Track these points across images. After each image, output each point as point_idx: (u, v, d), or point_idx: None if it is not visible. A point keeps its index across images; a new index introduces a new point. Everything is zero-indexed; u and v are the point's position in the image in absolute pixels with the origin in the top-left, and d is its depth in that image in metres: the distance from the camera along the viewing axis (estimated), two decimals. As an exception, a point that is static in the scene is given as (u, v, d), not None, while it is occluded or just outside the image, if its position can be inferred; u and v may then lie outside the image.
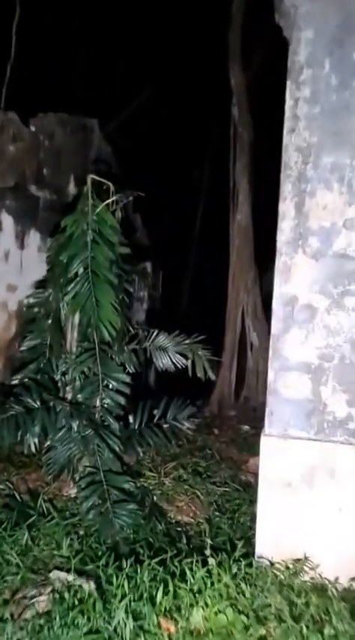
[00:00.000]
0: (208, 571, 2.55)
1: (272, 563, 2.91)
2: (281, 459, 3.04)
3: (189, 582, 2.51)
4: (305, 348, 3.05)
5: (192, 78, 9.42)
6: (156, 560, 2.82)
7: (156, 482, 4.57)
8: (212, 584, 2.48)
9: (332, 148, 3.02)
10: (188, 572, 2.55)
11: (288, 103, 3.08)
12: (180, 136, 9.43)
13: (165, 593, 2.47)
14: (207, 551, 3.24)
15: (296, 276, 3.08)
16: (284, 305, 3.10)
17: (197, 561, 2.87)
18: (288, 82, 3.05)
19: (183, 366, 4.50)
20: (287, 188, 3.09)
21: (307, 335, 3.06)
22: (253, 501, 4.13)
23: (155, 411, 4.57)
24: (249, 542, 3.53)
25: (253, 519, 3.85)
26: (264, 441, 3.08)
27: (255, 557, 3.04)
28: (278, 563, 2.96)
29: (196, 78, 9.47)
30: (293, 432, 3.06)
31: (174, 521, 4.15)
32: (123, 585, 2.56)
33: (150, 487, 4.49)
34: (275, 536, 3.01)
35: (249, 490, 4.44)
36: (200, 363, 4.55)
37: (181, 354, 4.42)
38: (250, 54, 9.35)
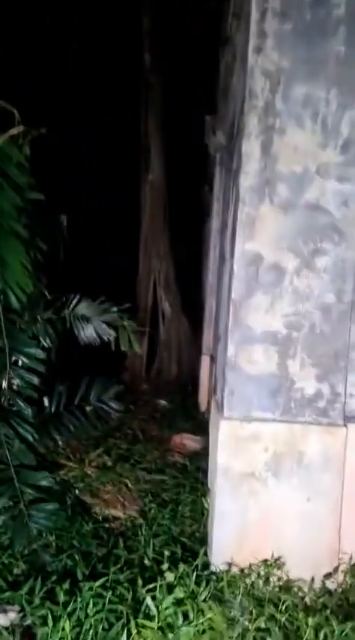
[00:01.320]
0: (176, 600, 2.01)
1: (242, 570, 2.47)
2: (242, 445, 2.60)
3: (152, 615, 1.96)
4: (271, 315, 2.60)
5: (101, 18, 8.37)
6: (98, 583, 2.22)
7: (78, 473, 3.93)
8: (183, 615, 1.95)
9: (305, 76, 2.53)
10: (149, 600, 2.00)
11: (254, 15, 2.52)
12: (88, 80, 8.39)
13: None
14: (147, 559, 2.76)
15: (261, 231, 2.58)
16: (247, 265, 2.61)
17: (148, 576, 2.36)
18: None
19: (108, 339, 3.86)
20: (252, 122, 2.55)
21: (273, 300, 2.60)
22: (194, 488, 3.70)
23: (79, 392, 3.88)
24: (198, 539, 3.10)
25: (195, 509, 3.44)
26: (223, 426, 2.60)
27: (212, 561, 2.59)
28: (241, 567, 2.54)
29: (105, 19, 8.43)
30: (256, 413, 2.62)
31: (101, 517, 3.57)
32: (63, 628, 1.93)
33: (72, 480, 3.84)
34: (236, 535, 2.59)
35: (184, 474, 4.00)
36: (125, 334, 3.93)
37: (109, 325, 3.76)
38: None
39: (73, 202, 4.45)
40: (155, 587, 2.08)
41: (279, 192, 2.56)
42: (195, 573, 2.29)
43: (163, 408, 6.83)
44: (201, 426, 5.87)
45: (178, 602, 1.97)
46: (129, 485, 3.94)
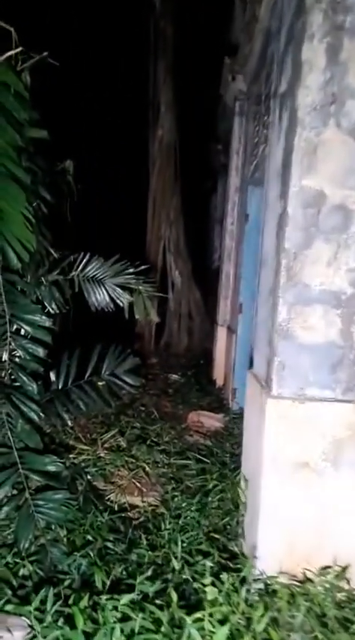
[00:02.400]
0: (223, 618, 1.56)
1: (299, 581, 2.02)
2: (294, 430, 2.12)
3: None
4: (334, 270, 2.09)
5: None
6: (124, 600, 1.77)
7: (90, 456, 3.48)
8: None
9: None
10: (194, 632, 1.55)
11: None
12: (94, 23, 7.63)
13: None
14: (176, 561, 2.32)
15: (324, 163, 2.04)
16: (305, 206, 2.08)
17: (182, 590, 1.92)
18: None
19: (122, 304, 3.35)
20: (315, 20, 1.98)
21: (337, 251, 2.08)
22: (222, 475, 3.26)
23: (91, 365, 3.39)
24: (233, 535, 2.66)
25: (224, 500, 3.00)
26: (271, 406, 2.12)
27: (259, 567, 2.14)
28: (292, 575, 2.10)
29: None
30: (312, 391, 2.13)
31: (116, 506, 3.14)
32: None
33: (83, 464, 3.40)
34: (287, 536, 2.14)
35: (209, 458, 3.55)
36: (140, 300, 3.43)
37: (123, 288, 3.25)
38: None
39: (75, 154, 3.90)
40: (193, 604, 1.63)
41: (349, 112, 2.01)
42: (244, 589, 1.84)
43: (175, 382, 6.38)
44: (218, 403, 5.44)
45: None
46: (147, 469, 3.50)
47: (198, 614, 1.57)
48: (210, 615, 1.55)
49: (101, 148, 8.13)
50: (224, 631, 1.50)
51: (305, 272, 2.09)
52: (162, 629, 1.64)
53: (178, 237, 8.22)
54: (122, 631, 1.62)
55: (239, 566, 2.31)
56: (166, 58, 7.63)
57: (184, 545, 2.57)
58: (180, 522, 2.73)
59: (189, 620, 1.55)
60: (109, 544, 2.68)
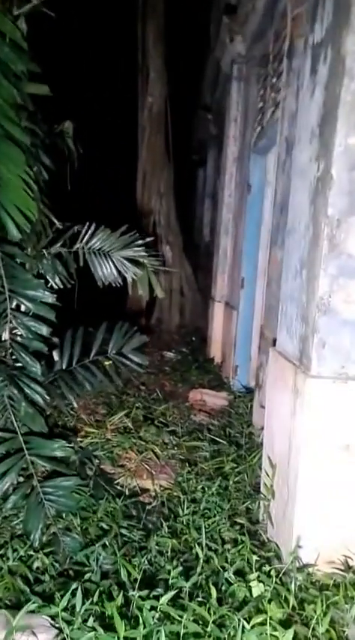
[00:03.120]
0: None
1: (344, 569, 1.90)
2: (335, 411, 1.98)
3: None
4: (380, 238, 1.92)
5: None
6: (164, 599, 1.62)
7: (97, 439, 3.31)
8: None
9: None
10: (247, 628, 1.40)
11: None
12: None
13: None
14: (201, 550, 2.20)
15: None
16: (351, 168, 1.89)
17: (221, 585, 1.79)
18: None
19: (131, 279, 3.14)
20: None
21: (384, 217, 1.91)
22: (239, 457, 3.13)
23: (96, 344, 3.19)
24: (257, 519, 2.54)
25: (242, 483, 2.87)
26: (310, 386, 1.97)
27: (301, 555, 2.02)
28: (332, 562, 1.99)
29: None
30: None
31: (127, 490, 2.99)
32: None
33: (90, 448, 3.23)
34: (327, 523, 2.02)
35: (223, 439, 3.41)
36: (145, 276, 3.22)
37: (131, 262, 3.03)
38: None
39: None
40: (236, 601, 1.48)
41: None
42: (293, 583, 1.71)
43: (171, 360, 6.22)
44: (218, 381, 5.31)
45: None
46: (157, 451, 3.35)
47: (259, 619, 1.43)
48: (270, 618, 1.41)
49: (90, 116, 7.73)
50: (289, 637, 1.36)
51: (349, 241, 1.92)
52: (209, 629, 1.50)
53: (169, 211, 7.96)
54: (169, 635, 1.47)
55: (271, 553, 2.20)
56: (156, 22, 7.23)
57: (207, 530, 2.44)
58: (200, 507, 2.60)
59: (248, 626, 1.41)
60: (125, 531, 2.54)
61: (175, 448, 3.41)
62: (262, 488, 2.57)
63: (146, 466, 3.28)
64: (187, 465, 3.14)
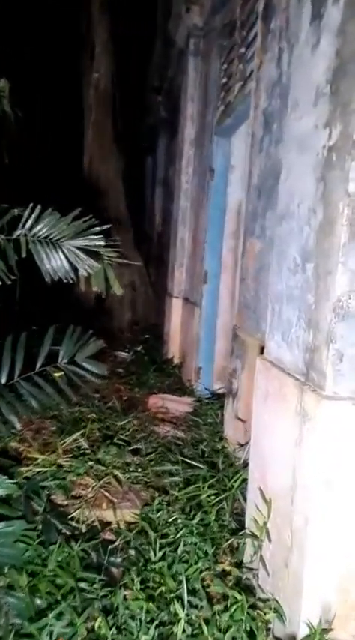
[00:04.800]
0: None
1: None
2: None
3: None
4: None
5: None
6: None
7: (46, 467, 2.77)
8: None
9: None
10: None
11: None
12: None
13: None
14: (182, 609, 1.77)
15: None
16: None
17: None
18: None
19: (86, 273, 2.62)
20: None
21: None
22: (218, 481, 2.69)
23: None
24: (242, 561, 2.13)
25: (222, 514, 2.45)
26: (325, 410, 1.56)
27: (303, 616, 1.62)
28: (346, 627, 1.61)
29: None
30: (378, 387, 1.60)
31: (83, 526, 2.50)
32: None
33: (39, 478, 2.68)
34: (343, 579, 1.63)
35: (195, 457, 2.96)
36: (101, 270, 2.72)
37: (86, 253, 2.51)
38: None
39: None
40: None
41: None
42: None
43: (124, 361, 5.72)
44: (179, 384, 4.87)
45: None
46: (117, 474, 2.86)
47: None
48: None
49: (34, 82, 6.99)
50: None
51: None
52: None
53: (118, 199, 7.40)
54: None
55: (270, 613, 1.79)
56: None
57: (187, 579, 2.00)
58: (178, 550, 2.14)
59: None
60: (84, 585, 2.06)
61: (139, 469, 2.94)
62: (249, 524, 2.16)
63: (106, 493, 2.78)
64: (155, 491, 2.68)
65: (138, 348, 6.11)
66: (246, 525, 2.21)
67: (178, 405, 4.20)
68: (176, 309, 5.49)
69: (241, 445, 2.87)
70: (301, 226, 1.82)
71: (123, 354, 5.91)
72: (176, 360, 5.41)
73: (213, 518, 2.28)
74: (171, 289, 5.66)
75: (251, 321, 2.86)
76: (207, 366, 4.48)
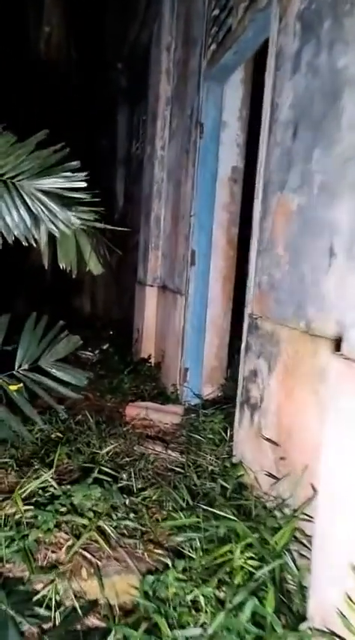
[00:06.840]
0: None
1: None
2: None
3: None
4: None
5: None
6: None
7: (6, 510, 1.88)
8: None
9: None
10: None
11: None
12: None
13: None
14: None
15: None
16: None
17: None
18: None
19: (56, 234, 1.77)
20: None
21: None
22: (253, 529, 1.89)
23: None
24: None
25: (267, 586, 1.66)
26: (336, 370, 0.81)
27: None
28: None
29: None
30: None
31: (57, 615, 1.65)
32: None
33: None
34: None
35: (212, 496, 2.16)
36: (70, 237, 1.88)
37: (57, 201, 1.65)
38: None
39: None
40: None
41: None
42: None
43: (90, 361, 4.82)
44: (159, 389, 4.05)
45: None
46: (101, 524, 2.01)
47: None
48: None
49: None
50: None
51: None
52: None
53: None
54: None
55: None
56: None
57: None
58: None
59: None
60: None
61: (132, 515, 2.10)
62: (315, 618, 1.39)
63: (87, 554, 1.93)
64: (156, 547, 1.85)
65: (105, 347, 5.23)
66: (309, 616, 1.43)
67: (164, 416, 3.38)
68: (150, 300, 4.65)
69: (270, 475, 2.10)
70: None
71: (88, 353, 5.01)
72: (153, 360, 4.58)
73: (267, 606, 1.47)
74: (143, 277, 4.82)
75: (285, 306, 2.09)
76: (195, 367, 3.68)
